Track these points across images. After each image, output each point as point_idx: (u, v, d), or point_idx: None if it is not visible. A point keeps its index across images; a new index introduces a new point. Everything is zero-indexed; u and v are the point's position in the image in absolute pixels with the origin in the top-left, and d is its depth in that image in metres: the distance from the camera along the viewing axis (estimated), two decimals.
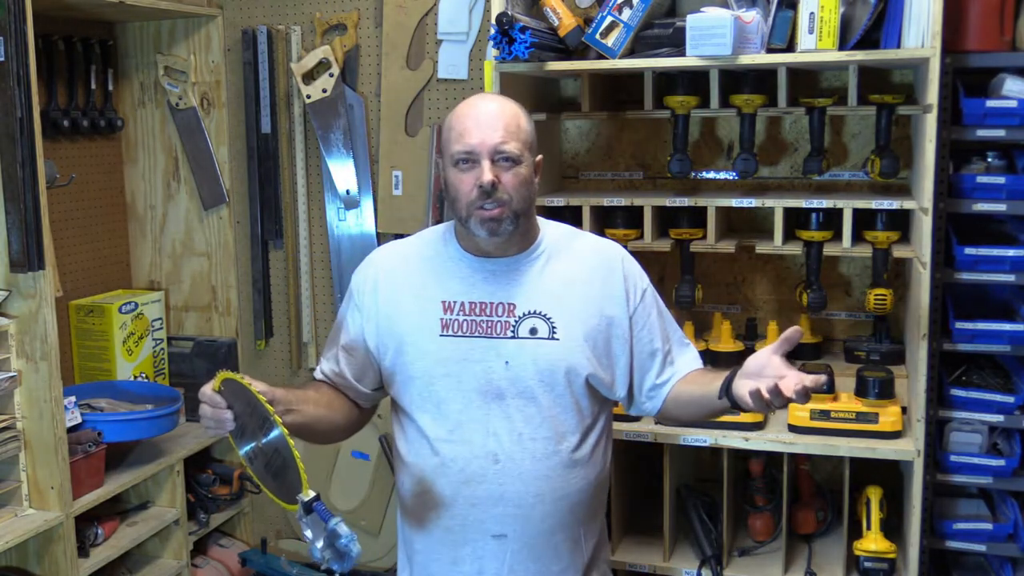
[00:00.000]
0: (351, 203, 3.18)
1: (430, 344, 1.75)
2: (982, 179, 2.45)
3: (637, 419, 2.52)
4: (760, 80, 2.54)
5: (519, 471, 1.73)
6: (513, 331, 1.74)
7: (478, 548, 1.76)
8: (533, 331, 1.74)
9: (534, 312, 1.74)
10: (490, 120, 1.68)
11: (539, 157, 1.78)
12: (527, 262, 1.78)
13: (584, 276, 1.79)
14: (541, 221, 1.85)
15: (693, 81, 2.58)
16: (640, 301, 1.83)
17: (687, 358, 1.88)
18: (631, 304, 1.81)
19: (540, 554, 1.77)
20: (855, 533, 2.54)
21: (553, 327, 1.74)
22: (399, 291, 1.80)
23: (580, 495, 1.79)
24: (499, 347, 1.73)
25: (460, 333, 1.74)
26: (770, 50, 2.35)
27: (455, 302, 1.76)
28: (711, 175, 2.90)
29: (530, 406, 1.73)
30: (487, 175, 1.65)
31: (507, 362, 1.73)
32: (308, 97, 3.11)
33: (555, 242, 1.82)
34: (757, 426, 2.48)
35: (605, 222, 2.71)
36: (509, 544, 1.75)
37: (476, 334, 1.74)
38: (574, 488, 1.77)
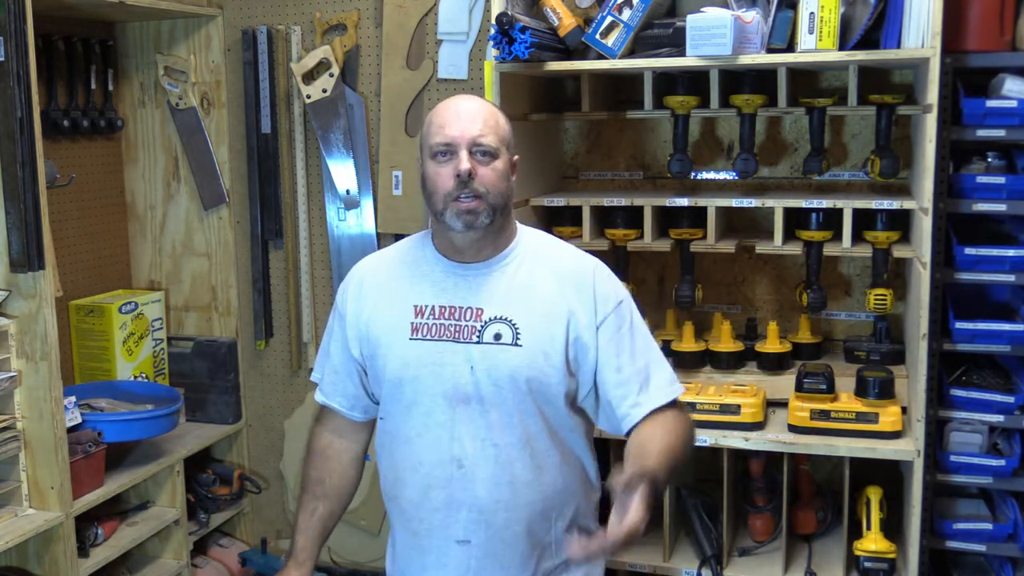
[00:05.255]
0: (351, 203, 3.18)
1: (400, 348, 1.77)
2: (982, 179, 2.44)
3: None
4: (760, 80, 2.54)
5: (483, 476, 1.73)
6: (479, 336, 1.73)
7: (442, 555, 1.77)
8: (497, 336, 1.73)
9: (500, 318, 1.73)
10: (469, 114, 1.71)
11: (515, 157, 1.79)
12: (499, 267, 1.77)
13: (554, 284, 1.76)
14: (520, 227, 1.84)
15: (693, 81, 2.58)
16: (611, 313, 1.76)
17: (659, 382, 1.77)
18: (599, 315, 1.75)
19: (506, 562, 1.76)
20: (855, 533, 2.54)
21: (517, 333, 1.73)
22: (378, 296, 1.82)
23: (548, 501, 1.77)
24: (465, 351, 1.73)
25: (428, 337, 1.75)
26: (770, 50, 2.35)
27: (426, 306, 1.77)
28: (711, 175, 2.90)
29: (494, 411, 1.72)
30: (464, 163, 1.66)
31: (472, 367, 1.72)
32: (308, 97, 3.11)
33: (529, 248, 1.81)
34: (757, 426, 2.48)
35: (605, 222, 2.71)
36: (473, 551, 1.75)
37: (444, 338, 1.74)
38: (540, 495, 1.76)
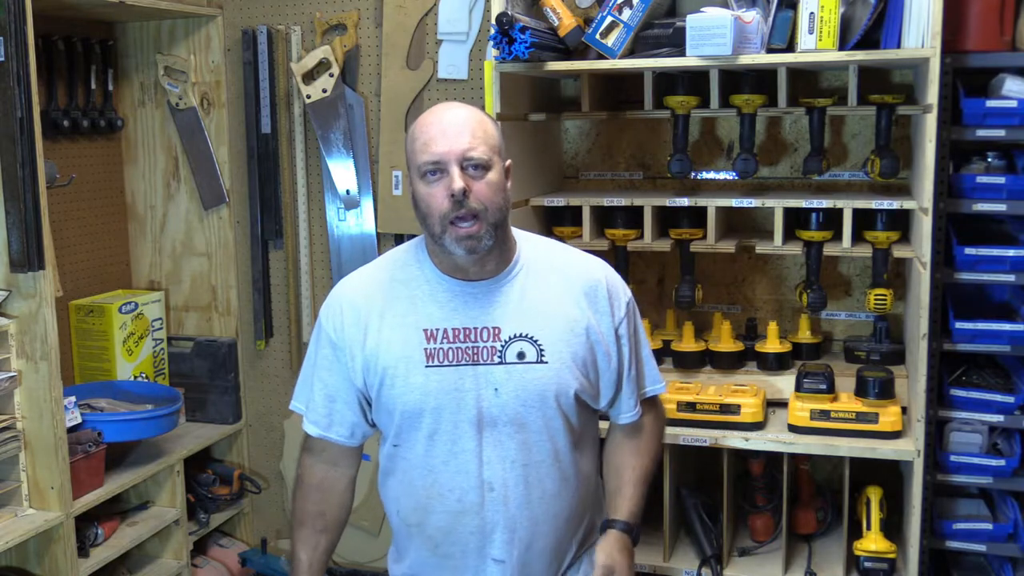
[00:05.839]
0: (351, 203, 3.18)
1: (416, 377, 1.68)
2: (982, 179, 2.44)
3: None
4: (760, 80, 2.55)
5: (515, 496, 1.71)
6: (500, 356, 1.68)
7: (480, 571, 1.76)
8: (521, 355, 1.68)
9: (521, 335, 1.68)
10: (455, 127, 1.61)
11: (508, 162, 1.70)
12: (507, 281, 1.71)
13: (567, 294, 1.73)
14: (517, 234, 1.78)
15: (693, 81, 2.58)
16: (624, 316, 1.78)
17: (650, 379, 1.87)
18: (616, 318, 1.76)
19: (539, 572, 1.78)
20: (855, 533, 2.54)
21: (541, 350, 1.68)
22: (380, 321, 1.72)
23: (573, 508, 1.79)
24: (487, 374, 1.68)
25: (446, 363, 1.68)
26: (770, 50, 2.35)
27: (437, 330, 1.69)
28: (711, 175, 2.90)
29: (521, 432, 1.69)
30: (457, 182, 1.57)
31: (496, 389, 1.67)
32: (308, 97, 3.11)
33: (534, 258, 1.75)
34: (757, 426, 2.48)
35: (605, 222, 2.71)
36: (508, 568, 1.75)
37: (463, 362, 1.68)
38: (567, 503, 1.77)
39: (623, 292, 1.80)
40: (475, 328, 1.68)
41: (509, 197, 1.69)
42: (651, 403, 1.90)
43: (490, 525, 1.72)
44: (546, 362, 1.68)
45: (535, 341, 1.68)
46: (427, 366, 1.68)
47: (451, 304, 1.69)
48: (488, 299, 1.69)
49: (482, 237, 1.61)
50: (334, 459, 1.83)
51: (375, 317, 1.72)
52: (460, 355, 1.68)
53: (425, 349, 1.68)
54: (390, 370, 1.70)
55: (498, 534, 1.72)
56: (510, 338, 1.68)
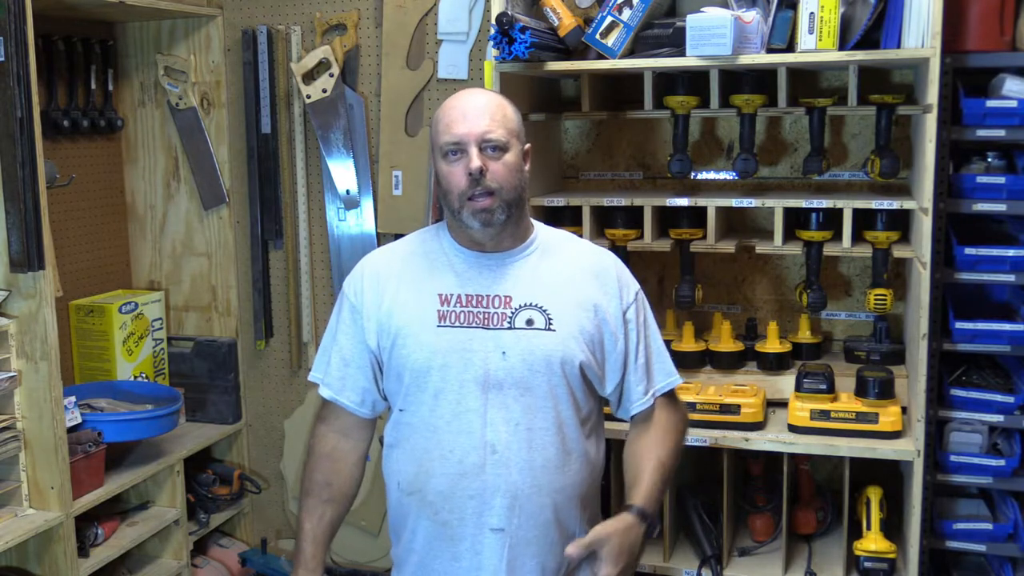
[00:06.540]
0: (351, 203, 3.18)
1: (427, 335, 1.77)
2: (982, 179, 2.45)
3: None
4: (760, 80, 2.54)
5: (517, 461, 1.74)
6: (510, 322, 1.76)
7: (477, 543, 1.76)
8: (530, 322, 1.76)
9: (530, 304, 1.77)
10: (476, 110, 1.73)
11: (527, 145, 1.81)
12: (521, 256, 1.82)
13: (578, 274, 1.83)
14: (534, 222, 1.89)
15: (693, 81, 2.58)
16: (633, 302, 1.86)
17: (663, 371, 1.91)
18: (624, 302, 1.84)
19: (537, 549, 1.78)
20: (855, 533, 2.54)
21: (549, 319, 1.76)
22: (398, 285, 1.82)
23: (576, 488, 1.80)
24: (496, 338, 1.75)
25: (457, 324, 1.76)
26: (770, 50, 2.35)
27: (451, 294, 1.78)
28: (711, 175, 2.90)
29: (527, 396, 1.75)
30: (475, 161, 1.69)
31: (504, 352, 1.74)
32: (308, 97, 3.11)
33: (548, 241, 1.87)
34: (757, 426, 2.49)
35: (605, 222, 2.71)
36: (507, 538, 1.76)
37: (473, 325, 1.76)
38: (570, 480, 1.79)
39: (632, 282, 1.89)
40: (488, 295, 1.78)
41: (526, 179, 1.80)
42: (670, 400, 1.92)
43: (491, 489, 1.74)
44: (554, 330, 1.76)
45: (544, 310, 1.77)
46: (438, 326, 1.77)
47: (467, 273, 1.80)
48: (502, 270, 1.79)
49: (495, 210, 1.72)
50: (345, 429, 1.90)
51: (393, 282, 1.82)
52: (471, 318, 1.76)
53: (438, 311, 1.78)
54: (403, 330, 1.79)
55: (498, 499, 1.74)
56: (520, 306, 1.77)
